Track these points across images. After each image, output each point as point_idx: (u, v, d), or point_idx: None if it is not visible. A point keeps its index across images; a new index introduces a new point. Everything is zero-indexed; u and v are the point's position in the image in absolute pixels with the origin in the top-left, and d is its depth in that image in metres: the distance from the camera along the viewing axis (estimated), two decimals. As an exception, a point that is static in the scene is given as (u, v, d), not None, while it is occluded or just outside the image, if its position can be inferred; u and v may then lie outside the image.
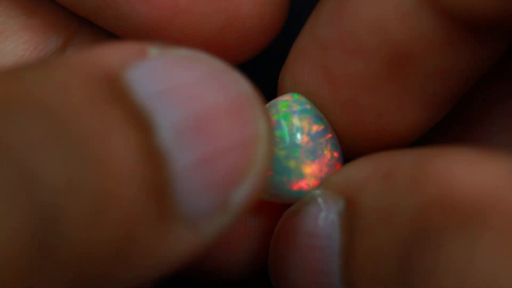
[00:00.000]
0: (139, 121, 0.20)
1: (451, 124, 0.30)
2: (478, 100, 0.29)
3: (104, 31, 0.29)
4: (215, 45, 0.28)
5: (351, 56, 0.26)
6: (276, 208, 0.29)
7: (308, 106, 0.27)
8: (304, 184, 0.27)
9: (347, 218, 0.25)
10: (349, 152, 0.28)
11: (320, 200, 0.26)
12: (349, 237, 0.24)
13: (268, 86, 0.27)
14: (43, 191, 0.18)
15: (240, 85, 0.22)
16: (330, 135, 0.27)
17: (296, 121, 0.27)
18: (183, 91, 0.21)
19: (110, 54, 0.21)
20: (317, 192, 0.26)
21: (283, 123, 0.27)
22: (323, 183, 0.27)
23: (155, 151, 0.20)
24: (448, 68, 0.25)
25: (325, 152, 0.27)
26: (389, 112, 0.26)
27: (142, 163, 0.20)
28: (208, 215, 0.21)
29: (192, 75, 0.21)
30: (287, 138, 0.27)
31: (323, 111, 0.28)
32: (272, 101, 0.28)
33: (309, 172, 0.27)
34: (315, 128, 0.27)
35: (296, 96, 0.28)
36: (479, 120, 0.29)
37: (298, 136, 0.27)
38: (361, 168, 0.25)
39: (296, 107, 0.27)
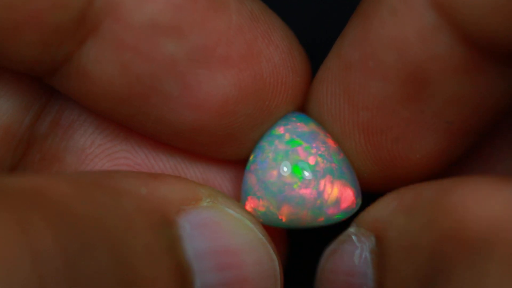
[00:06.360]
0: (183, 277, 0.24)
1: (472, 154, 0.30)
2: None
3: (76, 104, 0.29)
4: (249, 140, 0.29)
5: (371, 76, 0.26)
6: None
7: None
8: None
9: (378, 254, 0.25)
10: (367, 184, 0.28)
11: (354, 238, 0.27)
12: (381, 272, 0.25)
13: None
14: None
15: (272, 262, 0.26)
16: None
17: None
18: (223, 257, 0.25)
19: (169, 197, 0.24)
20: (352, 230, 0.27)
21: None
22: (356, 220, 0.28)
23: None
24: (465, 96, 0.25)
25: None
26: (406, 137, 0.27)
27: None
28: None
29: (235, 242, 0.25)
30: None
31: (343, 135, 0.28)
32: None
33: None
34: None
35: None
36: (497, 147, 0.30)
37: None
38: (388, 204, 0.26)
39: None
